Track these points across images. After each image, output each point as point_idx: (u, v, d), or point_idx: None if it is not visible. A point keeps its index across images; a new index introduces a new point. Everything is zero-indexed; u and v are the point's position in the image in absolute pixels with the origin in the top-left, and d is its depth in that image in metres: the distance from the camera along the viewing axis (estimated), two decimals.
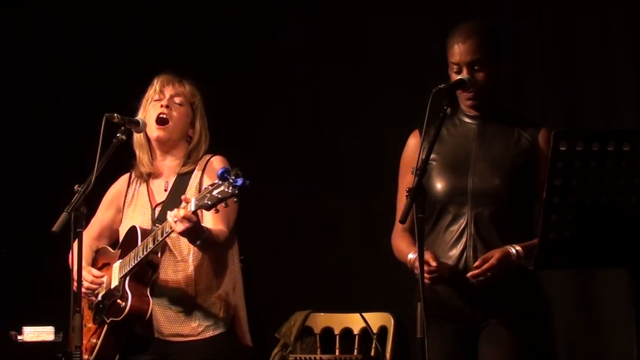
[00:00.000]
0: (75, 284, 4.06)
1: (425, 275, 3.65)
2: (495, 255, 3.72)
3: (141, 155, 4.30)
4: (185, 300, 4.13)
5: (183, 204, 3.88)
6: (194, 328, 4.13)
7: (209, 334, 4.14)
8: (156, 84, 4.26)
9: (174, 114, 4.21)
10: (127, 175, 4.37)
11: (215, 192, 3.76)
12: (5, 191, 6.38)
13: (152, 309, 4.10)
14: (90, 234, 4.34)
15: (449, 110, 3.70)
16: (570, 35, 5.54)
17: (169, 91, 4.23)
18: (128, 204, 4.31)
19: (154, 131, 4.22)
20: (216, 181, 3.76)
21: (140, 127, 4.17)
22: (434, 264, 3.70)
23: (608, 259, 3.36)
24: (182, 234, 3.91)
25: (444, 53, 3.90)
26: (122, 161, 4.29)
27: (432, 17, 5.91)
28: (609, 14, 5.43)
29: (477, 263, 3.72)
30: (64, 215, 3.89)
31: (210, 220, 4.07)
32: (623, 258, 3.33)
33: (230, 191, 3.72)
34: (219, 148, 4.35)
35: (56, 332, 5.68)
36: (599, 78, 5.45)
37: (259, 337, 6.13)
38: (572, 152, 3.19)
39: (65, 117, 6.43)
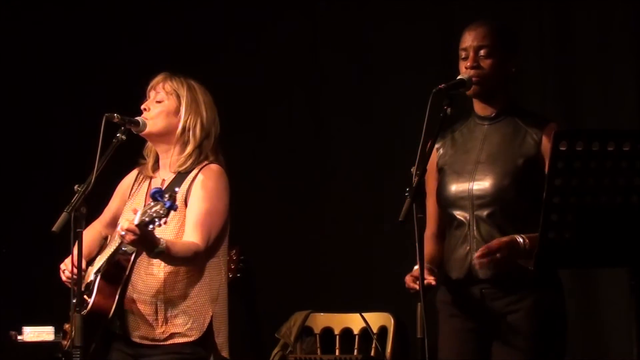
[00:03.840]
0: (61, 275, 4.13)
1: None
2: (501, 238, 3.68)
3: (148, 159, 4.31)
4: (153, 305, 4.10)
5: (132, 215, 3.89)
6: (160, 333, 4.10)
7: (176, 340, 4.09)
8: (149, 86, 4.27)
9: (152, 112, 4.20)
10: (137, 169, 4.37)
11: (151, 211, 3.79)
12: (5, 191, 6.38)
13: (121, 309, 4.09)
14: (101, 221, 4.37)
15: (449, 110, 3.69)
16: (571, 35, 5.55)
17: (152, 93, 4.24)
18: (129, 199, 4.32)
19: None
20: (154, 201, 3.80)
21: (140, 127, 4.17)
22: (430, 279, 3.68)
23: (608, 258, 3.36)
24: (131, 244, 3.92)
25: (449, 52, 3.92)
26: (122, 161, 4.29)
27: (432, 16, 5.92)
28: (609, 14, 5.43)
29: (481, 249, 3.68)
30: (64, 215, 3.89)
31: (188, 231, 4.06)
32: (623, 258, 3.33)
33: (162, 212, 3.76)
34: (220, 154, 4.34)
35: (56, 332, 5.69)
36: (599, 78, 5.45)
37: (258, 337, 6.17)
38: (572, 152, 3.18)
39: (65, 117, 6.43)
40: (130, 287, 4.12)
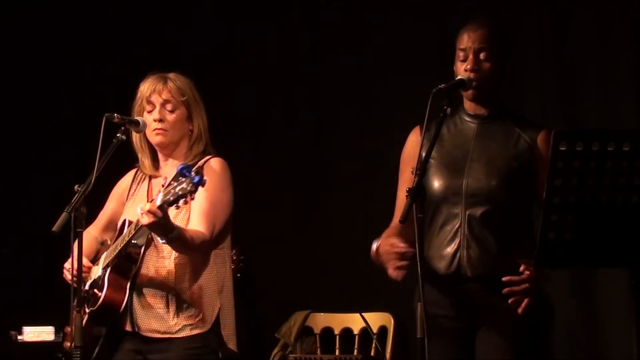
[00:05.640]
0: (65, 272, 4.13)
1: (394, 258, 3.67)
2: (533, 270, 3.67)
3: (142, 158, 4.29)
4: (164, 297, 4.11)
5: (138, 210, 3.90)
6: (171, 326, 4.10)
7: (186, 333, 4.11)
8: (143, 92, 4.23)
9: (168, 122, 4.19)
10: (134, 170, 4.37)
11: (177, 189, 3.78)
12: (5, 191, 6.38)
13: (131, 303, 4.09)
14: (97, 226, 4.36)
15: (448, 110, 3.70)
16: (570, 35, 5.55)
17: (157, 100, 4.19)
18: (129, 199, 4.32)
19: (153, 137, 4.22)
20: (180, 178, 3.78)
21: (140, 127, 4.17)
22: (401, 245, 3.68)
23: (608, 259, 3.36)
24: (149, 227, 3.90)
25: (448, 51, 3.92)
26: (122, 161, 4.29)
27: (432, 16, 5.92)
28: (609, 14, 5.43)
29: (521, 269, 3.67)
30: (64, 216, 3.89)
31: (194, 221, 4.06)
32: (623, 258, 3.33)
33: (189, 188, 3.74)
34: (217, 147, 4.34)
35: (56, 332, 5.69)
36: (599, 78, 5.45)
37: (258, 337, 6.17)
38: (572, 152, 3.18)
39: (65, 117, 6.44)
40: (139, 280, 4.12)
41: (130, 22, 6.44)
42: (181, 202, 3.79)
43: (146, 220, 3.85)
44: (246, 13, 6.36)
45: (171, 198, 3.79)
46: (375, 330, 5.95)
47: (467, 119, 3.90)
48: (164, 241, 3.96)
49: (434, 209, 3.84)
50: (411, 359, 5.87)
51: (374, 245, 3.80)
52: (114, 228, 4.34)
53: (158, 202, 3.83)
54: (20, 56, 6.47)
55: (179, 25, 6.45)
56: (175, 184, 3.79)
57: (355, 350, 6.03)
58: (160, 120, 4.18)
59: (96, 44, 6.46)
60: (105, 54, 6.43)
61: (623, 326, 5.05)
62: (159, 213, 3.84)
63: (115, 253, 4.09)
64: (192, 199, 3.80)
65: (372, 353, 5.95)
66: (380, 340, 5.93)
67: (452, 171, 3.83)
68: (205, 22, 6.42)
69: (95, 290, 4.10)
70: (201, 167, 3.79)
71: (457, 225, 3.80)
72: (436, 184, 3.83)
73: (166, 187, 3.85)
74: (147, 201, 4.21)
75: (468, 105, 3.90)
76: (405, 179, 3.87)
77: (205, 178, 3.74)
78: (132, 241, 4.07)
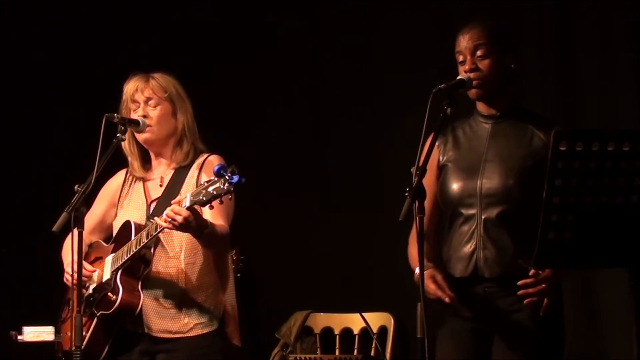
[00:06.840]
0: (67, 277, 4.14)
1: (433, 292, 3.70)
2: (548, 270, 3.68)
3: (132, 161, 4.30)
4: (175, 297, 4.12)
5: (179, 198, 3.89)
6: (184, 325, 4.12)
7: (198, 331, 4.13)
8: (127, 92, 4.25)
9: (152, 118, 4.21)
10: (124, 170, 4.37)
11: (210, 189, 3.78)
12: (5, 191, 6.38)
13: (142, 304, 4.10)
14: (85, 228, 4.34)
15: (449, 110, 3.68)
16: (571, 35, 5.55)
17: (140, 97, 4.22)
18: (123, 199, 4.31)
19: (140, 135, 4.24)
20: (212, 178, 3.77)
21: (140, 127, 4.18)
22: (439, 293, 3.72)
23: (608, 259, 3.36)
24: (180, 229, 3.91)
25: (449, 52, 3.92)
26: (122, 161, 4.29)
27: (432, 16, 5.92)
28: (609, 14, 5.43)
29: (531, 273, 3.68)
30: (64, 215, 3.90)
31: (210, 216, 4.07)
32: (623, 258, 3.33)
33: (225, 188, 3.75)
34: (217, 146, 4.34)
35: (56, 332, 5.68)
36: (599, 78, 5.45)
37: (258, 337, 6.16)
38: (572, 152, 3.18)
39: (65, 117, 6.43)
40: (150, 280, 4.12)
41: (129, 22, 6.44)
42: (216, 202, 3.79)
43: (177, 222, 3.85)
44: (246, 13, 6.36)
45: (203, 198, 3.79)
46: (375, 330, 5.95)
47: (481, 120, 3.89)
48: (201, 238, 3.98)
49: (451, 212, 3.84)
50: (411, 359, 5.87)
51: (417, 272, 3.75)
52: (104, 229, 4.34)
53: (187, 203, 3.83)
54: (20, 56, 6.47)
55: (179, 25, 6.45)
56: (207, 184, 3.80)
57: (355, 350, 6.03)
58: (144, 117, 4.20)
59: (96, 43, 6.46)
60: (104, 54, 6.42)
61: (623, 326, 5.04)
62: (188, 214, 3.84)
63: (129, 255, 4.08)
64: (230, 199, 3.80)
65: (372, 353, 5.95)
66: (380, 340, 5.93)
67: (467, 173, 3.82)
68: (205, 22, 6.42)
69: (109, 293, 4.09)
70: (234, 167, 3.77)
71: (473, 227, 3.79)
72: (454, 186, 3.83)
73: (197, 188, 3.85)
74: (147, 202, 4.22)
75: (480, 106, 3.90)
76: (427, 185, 3.82)
77: (243, 178, 3.75)
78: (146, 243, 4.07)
